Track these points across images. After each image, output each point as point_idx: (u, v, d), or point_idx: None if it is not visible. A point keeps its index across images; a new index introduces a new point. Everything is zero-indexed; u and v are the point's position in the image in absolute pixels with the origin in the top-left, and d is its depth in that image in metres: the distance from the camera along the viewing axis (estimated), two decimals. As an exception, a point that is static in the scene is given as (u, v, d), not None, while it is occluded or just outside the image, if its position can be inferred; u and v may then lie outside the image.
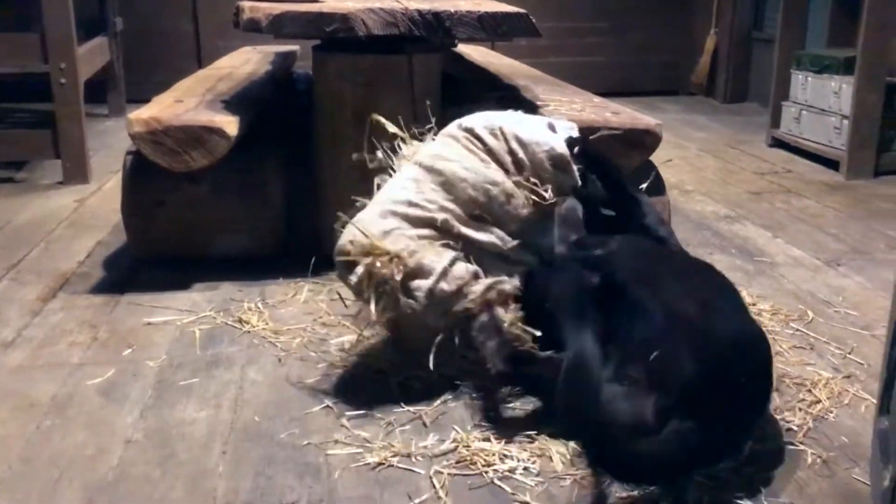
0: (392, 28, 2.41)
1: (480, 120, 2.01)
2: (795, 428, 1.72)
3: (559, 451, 1.63)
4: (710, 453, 1.50)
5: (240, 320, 2.25)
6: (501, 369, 1.71)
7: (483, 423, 1.74)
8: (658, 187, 2.60)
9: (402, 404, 1.81)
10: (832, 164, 4.01)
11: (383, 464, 1.61)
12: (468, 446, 1.65)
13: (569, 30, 5.90)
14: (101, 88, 5.00)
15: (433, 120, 2.14)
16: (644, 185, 2.32)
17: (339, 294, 2.18)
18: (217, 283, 2.50)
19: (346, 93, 2.50)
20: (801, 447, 1.66)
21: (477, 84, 3.43)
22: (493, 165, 1.94)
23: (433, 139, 2.07)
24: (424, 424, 1.74)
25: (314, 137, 2.68)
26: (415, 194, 1.89)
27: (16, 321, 2.26)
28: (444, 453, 1.64)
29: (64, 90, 3.58)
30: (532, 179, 1.93)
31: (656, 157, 2.57)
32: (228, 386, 1.92)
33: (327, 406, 1.82)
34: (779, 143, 4.51)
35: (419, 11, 2.43)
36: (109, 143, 4.41)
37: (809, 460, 1.63)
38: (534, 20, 2.58)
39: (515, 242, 1.93)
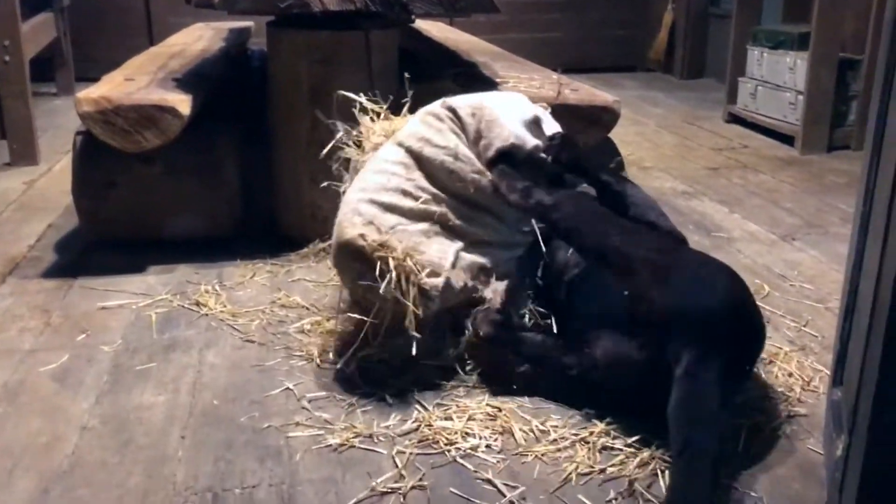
0: (348, 4, 2.37)
1: (466, 99, 1.98)
2: (752, 400, 1.75)
3: (521, 429, 1.64)
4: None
5: (197, 303, 2.22)
6: (488, 332, 1.75)
7: (445, 402, 1.73)
8: (617, 164, 2.61)
9: (363, 385, 1.80)
10: (787, 139, 4.06)
11: (345, 445, 1.60)
12: (430, 425, 1.65)
13: (528, 5, 5.89)
14: (48, 66, 4.86)
15: (408, 94, 2.09)
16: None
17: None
18: (173, 266, 2.46)
19: (301, 70, 2.46)
20: (757, 419, 1.69)
21: (436, 60, 3.40)
22: (472, 148, 1.92)
23: (407, 115, 2.03)
24: (388, 404, 1.73)
25: (270, 116, 2.64)
26: (405, 182, 1.86)
27: (-36, 307, 2.20)
28: (407, 433, 1.64)
29: (8, 68, 3.47)
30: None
31: (615, 134, 2.58)
32: (186, 370, 1.89)
33: (287, 388, 1.80)
34: (735, 119, 4.55)
35: (375, -13, 2.39)
36: (58, 123, 4.30)
37: (766, 432, 1.66)
38: (492, -4, 2.56)
39: (505, 228, 1.93)
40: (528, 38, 5.77)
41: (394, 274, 1.71)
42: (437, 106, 1.97)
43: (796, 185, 3.42)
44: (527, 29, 5.88)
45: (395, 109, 2.10)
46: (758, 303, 2.22)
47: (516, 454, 1.57)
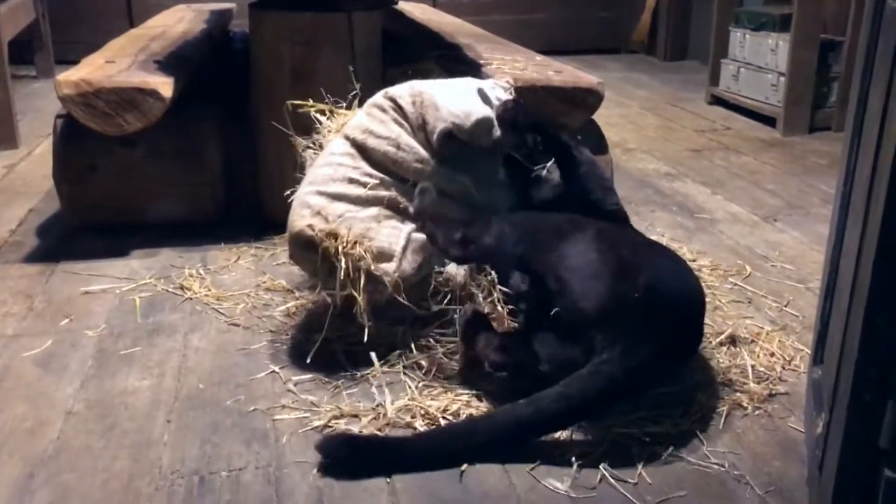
0: (330, -15, 2.35)
1: (406, 88, 1.96)
2: (733, 379, 1.77)
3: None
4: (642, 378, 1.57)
5: (181, 287, 2.21)
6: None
7: (432, 384, 1.74)
8: (601, 146, 2.61)
9: (349, 368, 1.80)
10: (769, 120, 4.09)
11: (331, 427, 1.61)
12: (417, 405, 1.65)
13: (511, -13, 5.87)
14: (27, 48, 4.80)
15: (358, 87, 2.08)
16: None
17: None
18: (156, 250, 2.45)
19: (283, 52, 2.44)
20: (739, 398, 1.71)
21: (419, 42, 3.39)
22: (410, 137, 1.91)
23: (358, 109, 2.02)
24: (374, 386, 1.74)
25: (252, 98, 2.62)
26: (352, 171, 1.87)
27: (-55, 293, 2.18)
28: (393, 413, 1.64)
29: (-13, 51, 3.43)
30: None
31: (599, 116, 2.58)
32: (171, 354, 1.89)
33: (273, 372, 1.81)
34: (718, 101, 4.57)
35: (358, -33, 2.38)
36: (38, 106, 4.25)
37: (747, 410, 1.68)
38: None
39: (455, 204, 1.91)
40: (511, 20, 5.75)
41: (343, 262, 1.72)
42: (380, 97, 1.97)
43: (778, 167, 3.44)
44: (510, 11, 5.86)
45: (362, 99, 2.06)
46: (739, 283, 2.26)
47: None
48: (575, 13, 6.08)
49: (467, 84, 2.01)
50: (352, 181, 1.85)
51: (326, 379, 1.77)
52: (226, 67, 3.42)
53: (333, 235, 1.75)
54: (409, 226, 1.85)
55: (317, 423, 1.61)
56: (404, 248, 1.81)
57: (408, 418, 1.62)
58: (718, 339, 1.91)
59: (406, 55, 3.02)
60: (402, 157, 1.87)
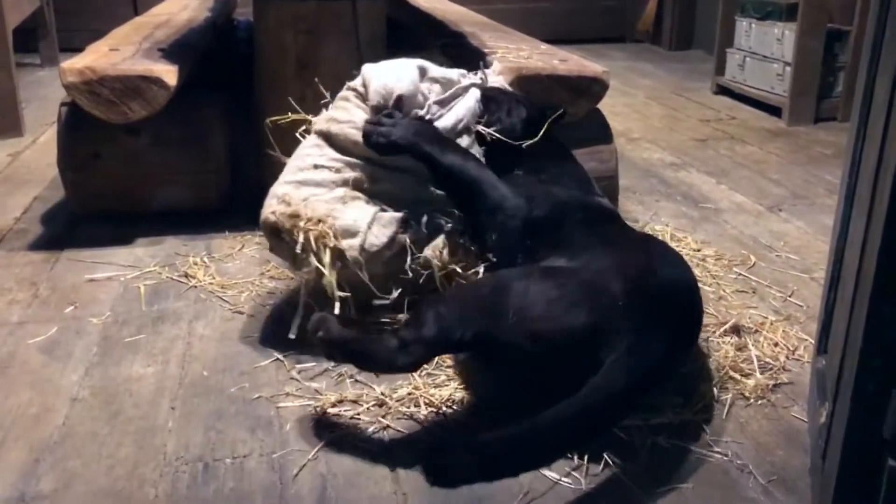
0: (335, -27, 2.34)
1: (361, 72, 1.97)
2: (737, 369, 1.77)
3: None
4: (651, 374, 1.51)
5: (185, 275, 2.22)
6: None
7: (434, 372, 1.74)
8: (605, 135, 2.61)
9: (353, 356, 1.80)
10: (775, 110, 4.07)
11: (335, 415, 1.61)
12: (421, 393, 1.66)
13: (516, -25, 5.84)
14: (31, 36, 4.80)
15: (328, 95, 2.05)
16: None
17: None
18: (161, 238, 2.45)
19: (288, 41, 2.44)
20: (742, 387, 1.71)
21: (423, 31, 3.38)
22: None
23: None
24: (376, 374, 1.74)
25: (256, 86, 2.62)
26: (318, 157, 1.89)
27: (-50, 280, 2.19)
28: (397, 401, 1.64)
29: (-9, 38, 3.43)
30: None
31: (603, 105, 2.57)
32: (176, 341, 1.89)
33: (277, 359, 1.81)
34: (723, 90, 4.55)
35: (363, -44, 2.37)
36: (43, 94, 4.25)
37: (751, 400, 1.68)
38: (480, -35, 2.53)
39: (424, 184, 1.91)
40: (516, 8, 5.73)
41: (302, 238, 1.73)
42: (344, 88, 1.99)
43: (783, 157, 3.43)
44: (515, -1, 5.84)
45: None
46: (743, 273, 2.26)
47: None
48: (580, 2, 6.06)
49: (412, 61, 2.01)
50: (317, 167, 1.88)
51: (330, 366, 1.77)
52: (230, 56, 3.42)
53: (295, 216, 1.77)
54: (377, 207, 1.85)
55: (321, 411, 1.62)
56: (370, 224, 1.80)
57: (412, 407, 1.63)
58: (722, 329, 1.91)
59: (411, 43, 3.01)
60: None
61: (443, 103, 1.95)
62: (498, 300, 1.51)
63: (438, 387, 1.69)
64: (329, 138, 1.91)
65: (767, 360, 1.82)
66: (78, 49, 2.67)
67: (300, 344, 1.86)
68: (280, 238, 1.80)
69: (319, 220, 1.76)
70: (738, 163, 3.33)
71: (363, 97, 1.94)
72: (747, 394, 1.69)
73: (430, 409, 1.62)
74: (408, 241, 1.83)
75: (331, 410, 1.62)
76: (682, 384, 1.70)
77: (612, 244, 1.69)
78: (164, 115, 2.35)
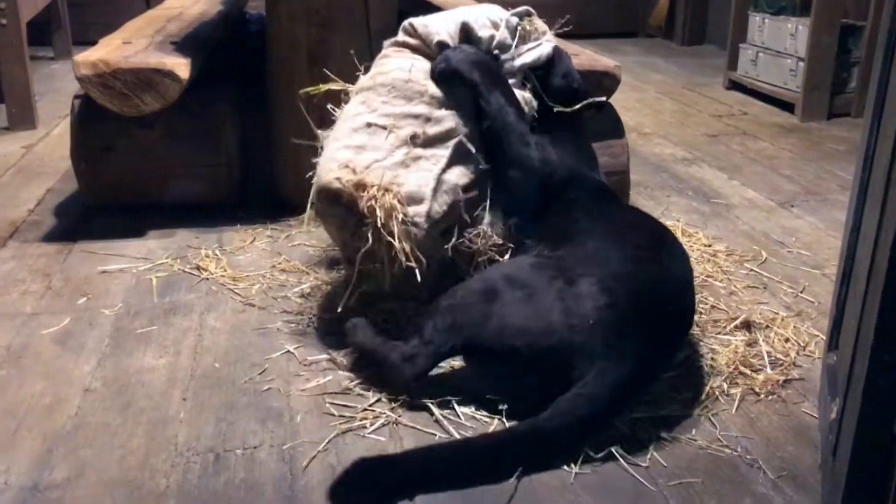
0: (347, -34, 2.34)
1: (402, 27, 2.00)
2: (747, 364, 1.77)
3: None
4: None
5: (197, 267, 2.23)
6: None
7: (442, 364, 1.74)
8: (617, 130, 2.60)
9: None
10: (787, 106, 4.05)
11: (346, 405, 1.62)
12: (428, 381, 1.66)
13: (527, -31, 5.82)
14: (45, 30, 4.82)
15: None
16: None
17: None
18: (172, 230, 2.47)
19: (300, 34, 2.44)
20: (752, 383, 1.71)
21: (435, 25, 3.37)
22: (424, 59, 1.93)
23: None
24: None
25: (268, 80, 2.63)
26: (369, 114, 1.86)
27: (-35, 271, 2.21)
28: (405, 392, 1.65)
29: (5, 31, 3.44)
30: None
31: (615, 100, 2.57)
32: (187, 333, 1.90)
33: (288, 351, 1.82)
34: (736, 86, 4.53)
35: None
36: (56, 87, 4.27)
37: (761, 395, 1.68)
38: (492, -42, 2.52)
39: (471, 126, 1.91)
40: (528, 3, 5.71)
41: (379, 213, 1.71)
42: (384, 47, 2.02)
43: (795, 153, 3.41)
44: (527, -7, 5.82)
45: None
46: (754, 269, 2.25)
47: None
48: (592, -4, 6.03)
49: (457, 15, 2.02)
50: (370, 125, 1.84)
51: (341, 358, 1.78)
52: (242, 49, 3.42)
53: (362, 186, 1.74)
54: (439, 166, 1.83)
55: (331, 403, 1.62)
56: (434, 190, 1.79)
57: (420, 400, 1.63)
58: (733, 324, 1.91)
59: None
60: (415, 74, 1.88)
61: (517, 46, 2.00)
62: (484, 308, 1.58)
63: (446, 379, 1.69)
64: (375, 90, 1.89)
65: (778, 355, 1.82)
66: (91, 42, 2.68)
67: (310, 336, 1.87)
68: (338, 205, 1.76)
69: (386, 190, 1.74)
70: (750, 158, 3.32)
71: (401, 45, 1.95)
72: (757, 389, 1.69)
73: (438, 400, 1.62)
74: (462, 209, 1.83)
75: (340, 402, 1.63)
76: (692, 379, 1.70)
77: (609, 234, 1.72)
78: (177, 108, 2.36)
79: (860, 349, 1.18)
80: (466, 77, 1.84)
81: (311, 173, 1.88)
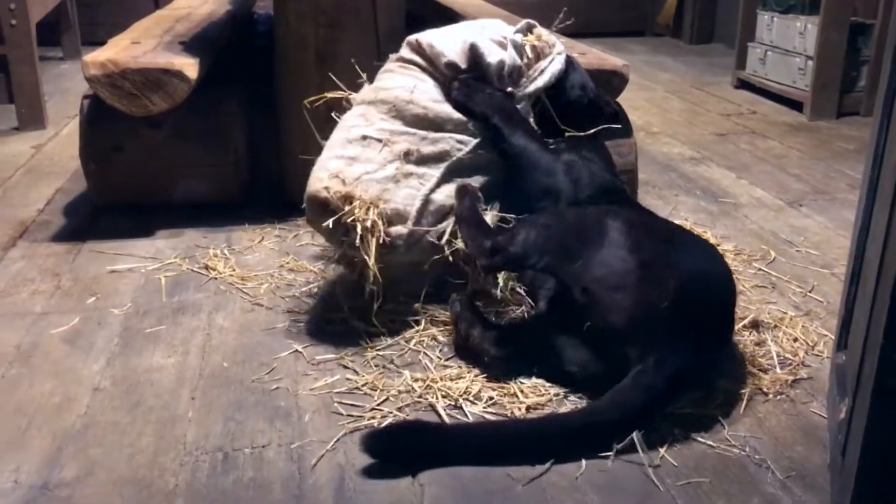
0: (354, -34, 2.35)
1: (406, 42, 2.02)
2: (756, 364, 1.76)
3: (520, 390, 1.65)
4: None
5: (206, 267, 2.23)
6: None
7: (449, 364, 1.75)
8: (625, 129, 2.60)
9: (371, 347, 1.81)
10: (796, 105, 4.04)
11: (354, 405, 1.62)
12: (438, 386, 1.66)
13: (535, -32, 5.81)
14: (54, 30, 4.84)
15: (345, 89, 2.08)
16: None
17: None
18: (181, 230, 2.47)
19: (308, 34, 2.44)
20: (761, 382, 1.70)
21: (442, 24, 3.37)
22: (428, 79, 1.95)
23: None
24: (395, 365, 1.75)
25: (276, 80, 2.63)
26: (365, 128, 1.89)
27: (-25, 270, 2.22)
28: (412, 392, 1.65)
29: (15, 32, 3.46)
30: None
31: (623, 99, 2.56)
32: (196, 333, 1.91)
33: (296, 351, 1.82)
34: (744, 85, 4.52)
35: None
36: (65, 87, 4.29)
37: (770, 395, 1.67)
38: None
39: (475, 141, 1.94)
40: (535, 2, 5.69)
41: (359, 227, 1.75)
42: (388, 62, 2.05)
43: (804, 152, 3.40)
44: (535, -8, 5.81)
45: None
46: (763, 268, 2.24)
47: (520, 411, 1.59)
48: (600, -5, 6.02)
49: (466, 32, 2.05)
50: (365, 138, 1.87)
51: (349, 358, 1.78)
52: (250, 49, 3.43)
53: (349, 199, 1.77)
54: (427, 186, 1.86)
55: (339, 402, 1.63)
56: (420, 211, 1.83)
57: (429, 399, 1.63)
58: (742, 324, 1.90)
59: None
60: (417, 96, 1.91)
61: (529, 70, 2.04)
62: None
63: (454, 379, 1.69)
64: (375, 105, 1.91)
65: (787, 355, 1.81)
66: (100, 42, 2.69)
67: (318, 335, 1.88)
68: (325, 214, 1.80)
69: (371, 205, 1.77)
70: (758, 157, 3.31)
71: (406, 62, 1.97)
72: (766, 389, 1.69)
73: (446, 401, 1.62)
74: (448, 232, 1.85)
75: (348, 402, 1.63)
76: (701, 378, 1.70)
77: (655, 239, 1.71)
78: (185, 108, 2.37)
79: (869, 349, 1.18)
80: (490, 122, 1.92)
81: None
